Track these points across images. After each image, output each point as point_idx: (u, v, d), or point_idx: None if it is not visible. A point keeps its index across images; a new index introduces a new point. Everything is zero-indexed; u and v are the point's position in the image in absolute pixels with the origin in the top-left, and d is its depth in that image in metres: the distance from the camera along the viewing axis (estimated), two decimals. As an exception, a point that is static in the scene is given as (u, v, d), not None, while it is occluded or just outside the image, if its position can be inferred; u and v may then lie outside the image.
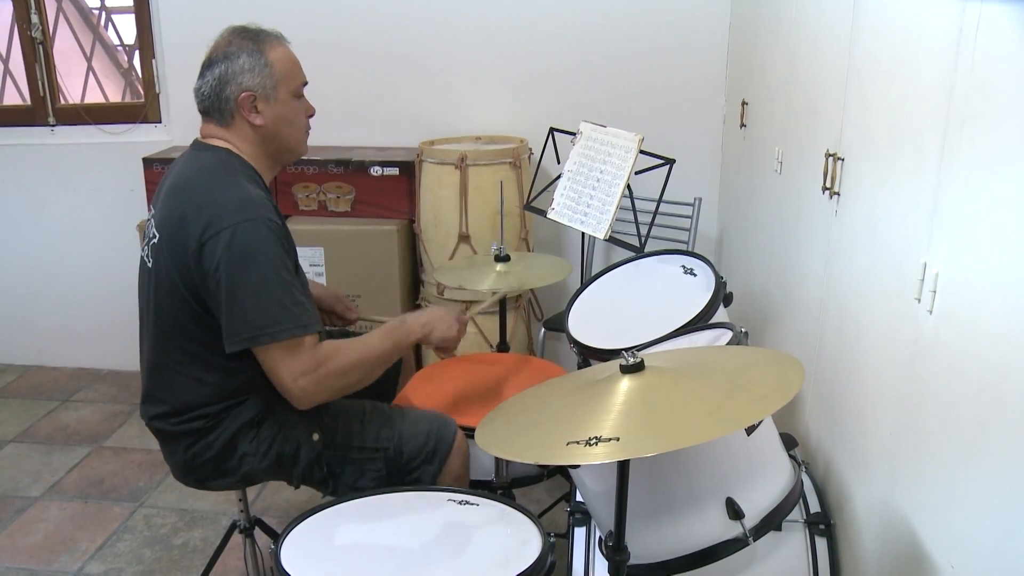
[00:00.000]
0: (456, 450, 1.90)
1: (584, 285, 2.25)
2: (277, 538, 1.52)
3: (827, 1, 1.87)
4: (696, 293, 1.99)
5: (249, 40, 1.79)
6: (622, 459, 1.23)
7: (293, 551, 1.48)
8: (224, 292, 1.67)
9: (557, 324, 2.75)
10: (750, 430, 1.45)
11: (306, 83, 1.88)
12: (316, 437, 1.85)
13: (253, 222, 1.68)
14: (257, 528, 2.15)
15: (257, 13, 3.46)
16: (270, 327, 1.67)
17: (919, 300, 1.30)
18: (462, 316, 1.98)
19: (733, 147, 3.08)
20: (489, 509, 1.60)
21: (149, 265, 1.81)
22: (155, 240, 1.78)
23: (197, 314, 1.74)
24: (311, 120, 1.92)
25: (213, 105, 1.80)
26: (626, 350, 1.35)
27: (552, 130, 2.67)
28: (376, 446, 1.88)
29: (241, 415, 1.81)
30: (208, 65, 1.79)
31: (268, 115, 1.80)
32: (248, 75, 1.76)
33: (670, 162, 2.33)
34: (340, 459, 1.87)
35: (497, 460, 1.99)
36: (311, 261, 3.11)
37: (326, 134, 3.13)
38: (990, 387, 1.09)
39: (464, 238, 3.02)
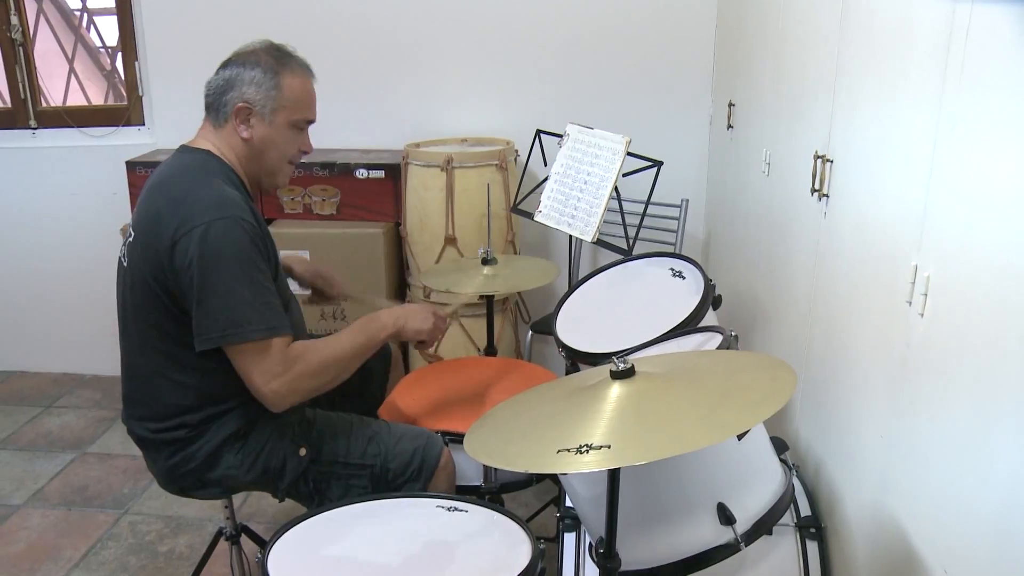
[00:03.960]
0: (442, 468, 1.89)
1: (572, 288, 2.24)
2: (264, 546, 1.50)
3: (815, 0, 1.87)
4: (685, 296, 1.98)
5: (272, 58, 1.80)
6: (613, 467, 1.22)
7: (280, 559, 1.46)
8: (196, 290, 1.66)
9: (544, 327, 2.74)
10: (741, 435, 1.44)
11: (312, 121, 1.89)
12: (303, 452, 1.83)
13: (226, 220, 1.67)
14: (243, 535, 2.13)
15: (242, 15, 3.42)
16: (238, 327, 1.66)
17: (910, 303, 1.29)
18: (440, 311, 1.97)
19: (720, 149, 3.08)
20: (478, 515, 1.59)
21: (124, 264, 1.80)
22: (131, 239, 1.78)
23: (171, 311, 1.73)
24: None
25: (214, 102, 1.82)
26: (615, 355, 1.33)
27: (539, 132, 2.66)
28: (362, 463, 1.86)
29: (225, 427, 1.79)
30: (225, 64, 1.81)
31: (258, 133, 1.81)
32: (253, 88, 1.77)
33: (658, 164, 2.32)
34: (326, 475, 1.86)
35: (486, 465, 1.98)
36: (297, 264, 3.08)
37: (311, 136, 3.12)
38: (983, 391, 1.08)
39: (450, 241, 3.00)
